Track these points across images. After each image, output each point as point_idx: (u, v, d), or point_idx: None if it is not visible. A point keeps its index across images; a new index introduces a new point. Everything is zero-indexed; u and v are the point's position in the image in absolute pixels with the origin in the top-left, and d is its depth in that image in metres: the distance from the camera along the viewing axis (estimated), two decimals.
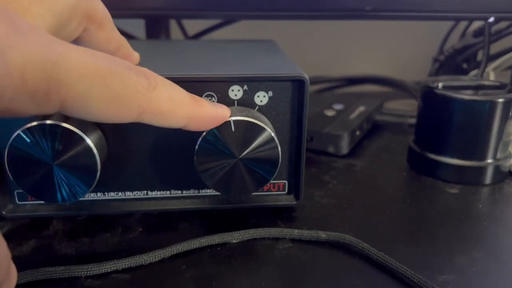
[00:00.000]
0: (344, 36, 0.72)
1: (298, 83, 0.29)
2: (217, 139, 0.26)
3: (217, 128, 0.26)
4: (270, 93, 0.29)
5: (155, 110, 0.22)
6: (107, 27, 0.27)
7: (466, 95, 0.36)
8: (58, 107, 0.18)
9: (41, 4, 0.23)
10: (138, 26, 0.54)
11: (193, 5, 0.39)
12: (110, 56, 0.20)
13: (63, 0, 0.24)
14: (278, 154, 0.27)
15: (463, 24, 0.63)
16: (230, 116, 0.26)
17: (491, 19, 0.45)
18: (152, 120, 0.22)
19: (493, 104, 0.36)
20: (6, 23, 0.16)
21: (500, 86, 0.39)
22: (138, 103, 0.21)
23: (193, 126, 0.24)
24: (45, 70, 0.17)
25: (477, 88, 0.39)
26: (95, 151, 0.26)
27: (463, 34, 0.62)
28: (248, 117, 0.27)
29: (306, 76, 0.28)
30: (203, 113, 0.25)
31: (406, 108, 0.55)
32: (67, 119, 0.25)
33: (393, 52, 0.74)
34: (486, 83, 0.40)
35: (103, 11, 0.27)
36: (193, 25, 0.58)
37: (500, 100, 0.36)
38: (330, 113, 0.48)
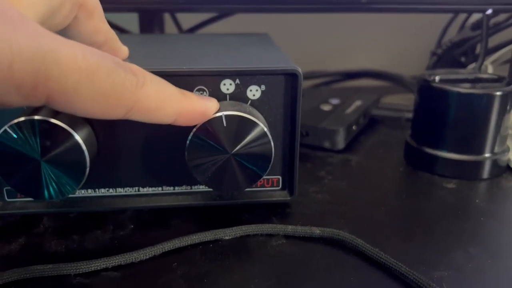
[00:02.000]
0: (341, 30, 0.71)
1: (291, 77, 0.28)
2: (208, 135, 0.26)
3: (209, 123, 0.26)
4: (263, 87, 0.29)
5: (143, 108, 0.21)
6: (97, 18, 0.27)
7: (463, 89, 0.36)
8: (44, 100, 0.18)
9: None
10: (132, 21, 0.54)
11: None
12: (100, 51, 0.20)
13: None
14: (271, 149, 0.27)
15: (461, 17, 0.62)
16: (222, 111, 0.26)
17: (489, 11, 0.44)
18: (140, 117, 0.22)
19: (490, 98, 0.35)
20: None
21: (498, 79, 0.39)
22: (126, 101, 0.20)
23: (182, 122, 0.24)
24: (34, 62, 0.17)
25: (474, 81, 0.39)
26: (84, 147, 0.25)
27: (462, 27, 0.62)
28: (240, 111, 0.26)
29: (299, 69, 0.28)
30: (192, 109, 0.24)
31: (404, 102, 0.54)
32: (55, 114, 0.24)
33: (391, 46, 0.74)
34: (484, 76, 0.40)
35: (94, 1, 0.26)
36: (188, 19, 0.57)
37: (498, 93, 0.35)
38: (326, 107, 0.47)
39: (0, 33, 0.16)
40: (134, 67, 0.22)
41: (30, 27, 0.17)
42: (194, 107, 0.25)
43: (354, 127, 0.45)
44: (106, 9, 0.28)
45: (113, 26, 0.53)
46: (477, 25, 0.58)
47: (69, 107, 0.19)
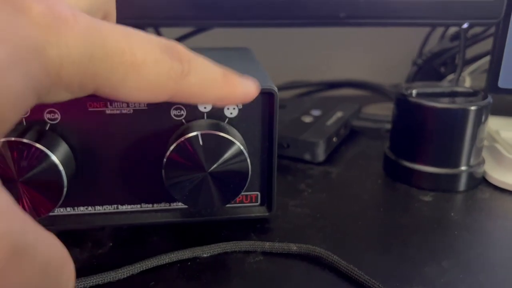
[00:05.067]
0: (322, 40, 0.71)
1: (268, 95, 0.29)
2: (185, 153, 0.26)
3: (186, 141, 0.26)
4: (240, 105, 0.29)
5: (185, 94, 0.22)
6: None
7: (439, 103, 0.37)
8: (91, 92, 0.19)
9: None
10: None
11: (165, 14, 0.39)
12: (147, 37, 0.20)
13: None
14: (248, 167, 0.27)
15: (441, 28, 0.63)
16: (199, 130, 0.26)
17: (465, 25, 0.45)
18: (182, 101, 0.22)
19: (465, 112, 0.36)
20: (47, 9, 0.16)
21: (473, 93, 0.40)
22: (169, 90, 0.21)
23: (222, 105, 0.27)
24: (81, 64, 0.17)
25: (451, 95, 0.40)
26: (61, 167, 0.25)
27: (442, 38, 0.63)
28: (217, 130, 0.26)
29: (275, 89, 0.28)
30: (232, 94, 0.24)
31: (385, 112, 0.55)
32: (33, 136, 0.25)
33: (373, 55, 0.74)
34: (460, 89, 0.41)
35: (114, 14, 0.27)
36: (171, 32, 0.57)
37: (473, 108, 0.36)
38: (307, 119, 0.48)
39: (50, 38, 0.16)
40: (181, 50, 0.21)
41: (80, 23, 0.17)
42: (235, 93, 0.24)
43: (334, 139, 0.46)
44: None
45: None
46: (456, 36, 0.59)
47: (114, 97, 0.19)
